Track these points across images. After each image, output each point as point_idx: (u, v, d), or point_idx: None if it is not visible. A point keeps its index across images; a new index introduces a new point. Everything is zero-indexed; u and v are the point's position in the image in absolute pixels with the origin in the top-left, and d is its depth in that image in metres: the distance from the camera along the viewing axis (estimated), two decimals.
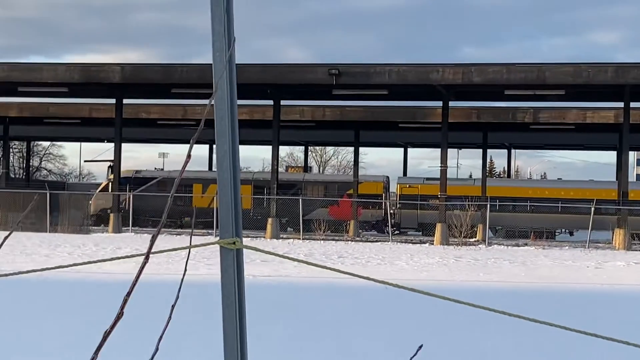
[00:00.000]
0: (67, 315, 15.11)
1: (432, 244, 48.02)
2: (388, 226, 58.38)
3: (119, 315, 1.75)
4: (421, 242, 50.19)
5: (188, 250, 2.34)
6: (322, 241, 49.09)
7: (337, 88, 47.55)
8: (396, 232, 61.13)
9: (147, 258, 1.81)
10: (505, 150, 78.29)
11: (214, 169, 74.72)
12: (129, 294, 1.76)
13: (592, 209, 52.94)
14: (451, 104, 50.81)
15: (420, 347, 2.11)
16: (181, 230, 58.84)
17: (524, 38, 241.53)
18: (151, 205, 60.16)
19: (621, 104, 48.47)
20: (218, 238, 2.29)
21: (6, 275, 2.66)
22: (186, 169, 1.89)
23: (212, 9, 2.24)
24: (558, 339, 12.53)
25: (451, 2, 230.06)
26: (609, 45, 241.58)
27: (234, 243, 2.24)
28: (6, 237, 1.69)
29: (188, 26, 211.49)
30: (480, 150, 68.37)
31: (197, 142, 48.84)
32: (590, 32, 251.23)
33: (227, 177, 2.26)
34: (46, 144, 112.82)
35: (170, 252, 2.45)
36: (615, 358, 11.37)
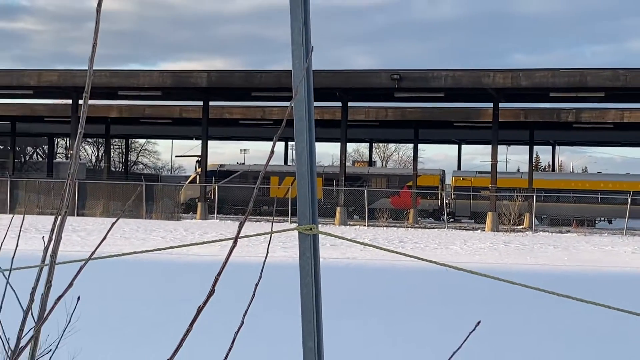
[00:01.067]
0: (163, 292, 15.27)
1: (484, 230, 47.73)
2: (444, 214, 58.21)
3: (211, 292, 1.76)
4: (474, 229, 49.88)
5: (270, 235, 2.35)
6: (384, 227, 49.10)
7: (399, 91, 47.42)
8: (451, 219, 60.80)
9: (235, 242, 1.82)
10: (550, 147, 77.51)
11: (289, 163, 75.04)
12: (219, 273, 1.77)
13: (629, 199, 52.53)
14: (501, 105, 50.46)
15: (478, 323, 2.10)
16: (259, 217, 59.10)
17: (569, 45, 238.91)
18: (233, 195, 60.72)
19: None
20: (295, 224, 2.30)
21: (110, 256, 2.69)
22: (260, 162, 1.91)
23: (292, 23, 2.24)
24: (603, 318, 12.38)
25: (502, 13, 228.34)
26: None
27: (311, 229, 2.24)
28: (113, 224, 1.71)
29: (267, 36, 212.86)
30: (527, 146, 67.67)
31: (280, 139, 48.77)
32: (629, 40, 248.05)
33: (305, 171, 2.26)
34: (142, 141, 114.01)
35: (250, 237, 2.46)
36: None
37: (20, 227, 2.37)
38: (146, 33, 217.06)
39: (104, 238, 1.65)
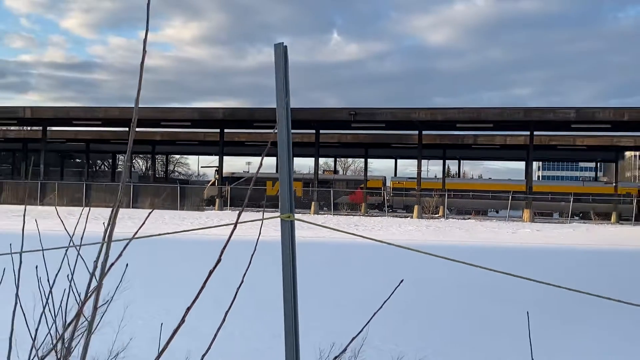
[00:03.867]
0: (191, 261, 15.20)
1: (412, 217, 47.86)
2: (385, 207, 58.38)
3: (218, 260, 1.75)
4: (405, 217, 50.00)
5: (261, 221, 2.35)
6: (345, 216, 49.09)
7: (354, 122, 47.50)
8: (390, 210, 60.94)
9: (235, 226, 1.81)
10: (457, 161, 77.91)
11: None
12: (224, 247, 1.76)
13: (510, 196, 53.01)
14: (424, 132, 50.70)
15: (401, 281, 2.11)
16: (259, 209, 58.94)
17: (471, 92, 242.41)
18: (241, 194, 60.49)
19: (528, 132, 48.27)
20: (280, 213, 2.30)
21: (152, 236, 2.67)
22: (261, 171, 1.91)
23: (276, 74, 2.24)
24: (487, 277, 12.44)
25: (427, 68, 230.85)
26: (525, 96, 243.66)
27: (289, 217, 2.24)
28: (149, 214, 1.70)
29: (267, 84, 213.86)
30: (441, 160, 68.12)
31: (268, 155, 48.29)
32: (513, 88, 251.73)
33: (285, 177, 2.26)
34: (177, 156, 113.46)
35: (247, 222, 2.45)
36: (534, 289, 11.27)
37: (87, 216, 2.37)
38: (182, 82, 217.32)
39: (143, 223, 1.64)
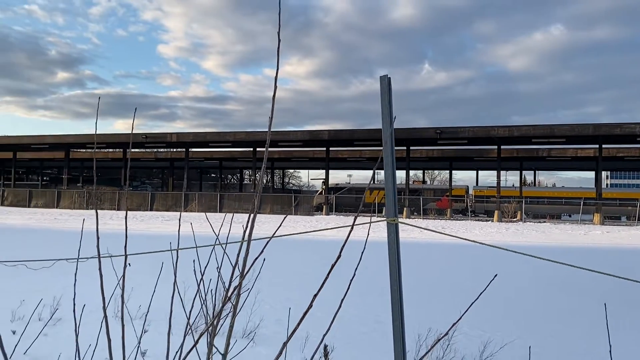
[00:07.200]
0: (305, 256, 15.37)
1: (493, 221, 46.40)
2: (468, 212, 56.89)
3: (338, 256, 1.78)
4: (486, 221, 48.54)
5: (369, 223, 2.36)
6: (432, 220, 48.23)
7: (440, 140, 46.69)
8: (472, 215, 59.36)
9: (352, 228, 1.84)
10: (532, 172, 75.00)
11: (375, 182, 74.80)
12: (343, 245, 1.79)
13: (582, 202, 50.54)
14: (502, 147, 49.16)
15: (495, 275, 2.06)
16: (359, 214, 58.89)
17: (547, 110, 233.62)
18: (344, 201, 60.69)
19: (597, 146, 45.91)
20: (386, 217, 2.31)
21: (275, 237, 2.74)
22: (359, 182, 1.92)
23: (381, 102, 2.26)
24: (563, 273, 11.89)
25: (506, 91, 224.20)
26: (596, 113, 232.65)
27: (394, 220, 2.24)
28: (283, 220, 1.75)
29: (365, 108, 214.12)
30: (518, 171, 65.75)
31: (364, 169, 48.27)
32: (585, 107, 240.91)
33: (390, 186, 2.27)
34: (292, 170, 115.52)
35: (358, 225, 2.47)
36: (591, 281, 10.67)
37: (231, 220, 2.46)
38: (297, 109, 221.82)
39: (279, 226, 1.70)
